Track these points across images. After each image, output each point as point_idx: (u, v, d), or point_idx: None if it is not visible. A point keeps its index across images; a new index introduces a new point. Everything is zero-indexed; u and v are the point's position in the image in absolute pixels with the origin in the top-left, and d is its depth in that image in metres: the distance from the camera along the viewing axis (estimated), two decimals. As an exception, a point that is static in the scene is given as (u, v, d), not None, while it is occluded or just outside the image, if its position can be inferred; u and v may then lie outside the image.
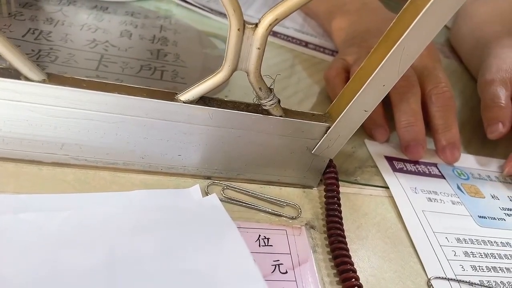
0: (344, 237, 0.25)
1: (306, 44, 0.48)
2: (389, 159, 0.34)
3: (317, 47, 0.48)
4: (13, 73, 0.21)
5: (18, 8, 0.38)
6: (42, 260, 0.18)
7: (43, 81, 0.21)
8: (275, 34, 0.48)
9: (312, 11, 0.53)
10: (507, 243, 0.29)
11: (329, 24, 0.48)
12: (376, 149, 0.35)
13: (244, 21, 0.20)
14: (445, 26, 0.65)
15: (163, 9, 0.46)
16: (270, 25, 0.20)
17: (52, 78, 0.21)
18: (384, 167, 0.33)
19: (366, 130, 0.36)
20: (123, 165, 0.25)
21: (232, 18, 0.20)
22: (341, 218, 0.26)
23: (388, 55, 0.22)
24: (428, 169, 0.35)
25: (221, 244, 0.20)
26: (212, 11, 0.49)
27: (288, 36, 0.48)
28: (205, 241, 0.20)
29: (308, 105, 0.38)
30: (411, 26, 0.20)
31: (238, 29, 0.20)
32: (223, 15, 0.48)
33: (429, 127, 0.35)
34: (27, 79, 0.21)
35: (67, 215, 0.20)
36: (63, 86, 0.21)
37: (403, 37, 0.21)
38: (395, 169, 0.33)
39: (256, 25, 0.21)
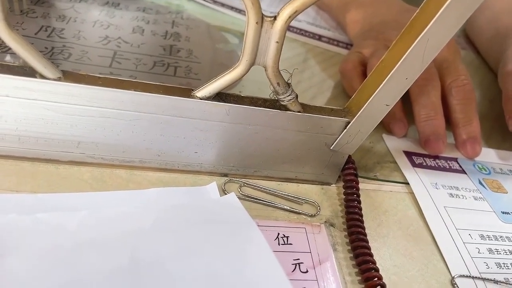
0: (365, 235, 0.24)
1: (320, 38, 0.47)
2: (408, 154, 0.34)
3: (330, 40, 0.47)
4: (28, 71, 0.21)
5: (30, 6, 0.38)
6: (62, 261, 0.17)
7: (59, 79, 0.21)
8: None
9: (325, 4, 0.52)
10: (533, 239, 0.29)
11: (343, 16, 0.47)
12: (395, 144, 0.34)
13: (262, 14, 0.20)
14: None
15: (174, 4, 0.46)
16: (289, 17, 0.20)
17: (68, 76, 0.21)
18: (403, 162, 0.32)
19: (384, 125, 0.35)
20: (139, 163, 0.25)
21: (250, 11, 0.19)
22: (361, 216, 0.25)
23: (412, 46, 0.21)
24: (449, 164, 0.34)
25: (243, 245, 0.19)
26: (223, 5, 0.48)
27: (301, 30, 0.48)
28: (227, 241, 0.19)
29: (323, 99, 0.37)
30: (436, 16, 0.20)
31: (257, 23, 0.20)
32: (234, 9, 0.48)
33: (449, 121, 0.34)
34: (42, 77, 0.20)
35: (85, 214, 0.19)
36: (78, 84, 0.21)
37: (427, 27, 0.20)
38: (414, 164, 0.33)
39: (275, 18, 0.20)
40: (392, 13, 0.41)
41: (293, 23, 0.48)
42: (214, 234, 0.20)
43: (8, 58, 0.32)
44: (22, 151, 0.23)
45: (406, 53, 0.21)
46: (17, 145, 0.23)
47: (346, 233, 0.25)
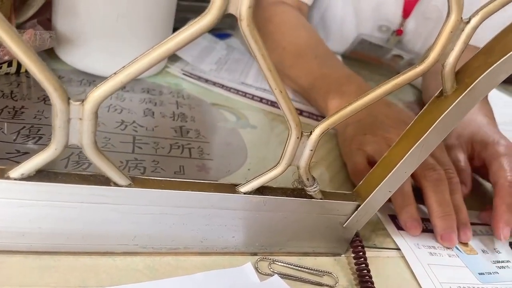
0: (380, 300, 0.29)
1: (301, 113, 0.53)
2: (393, 218, 0.39)
3: (310, 115, 0.53)
4: (103, 180, 0.24)
5: (44, 92, 0.40)
6: None
7: (129, 185, 0.24)
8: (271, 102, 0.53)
9: (302, 87, 0.54)
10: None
11: (325, 103, 0.49)
12: (382, 209, 0.40)
13: (302, 131, 0.25)
14: (414, 87, 0.73)
15: (173, 83, 0.50)
16: (322, 133, 0.25)
17: (136, 182, 0.24)
18: (391, 228, 0.38)
19: (401, 222, 0.38)
20: (183, 249, 0.28)
21: (294, 130, 0.24)
22: (373, 283, 0.30)
23: (410, 151, 0.27)
24: (425, 224, 0.40)
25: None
26: (214, 84, 0.53)
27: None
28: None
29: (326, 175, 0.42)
30: (431, 128, 0.26)
31: (297, 137, 0.25)
32: (225, 87, 0.53)
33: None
34: (116, 184, 0.24)
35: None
36: (146, 189, 0.24)
37: (423, 137, 0.26)
38: (398, 228, 0.38)
39: (311, 133, 0.25)
40: (381, 108, 0.44)
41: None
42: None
43: (30, 145, 0.34)
44: (83, 247, 0.25)
45: (406, 155, 0.27)
46: (80, 242, 0.25)
47: (363, 300, 0.29)
